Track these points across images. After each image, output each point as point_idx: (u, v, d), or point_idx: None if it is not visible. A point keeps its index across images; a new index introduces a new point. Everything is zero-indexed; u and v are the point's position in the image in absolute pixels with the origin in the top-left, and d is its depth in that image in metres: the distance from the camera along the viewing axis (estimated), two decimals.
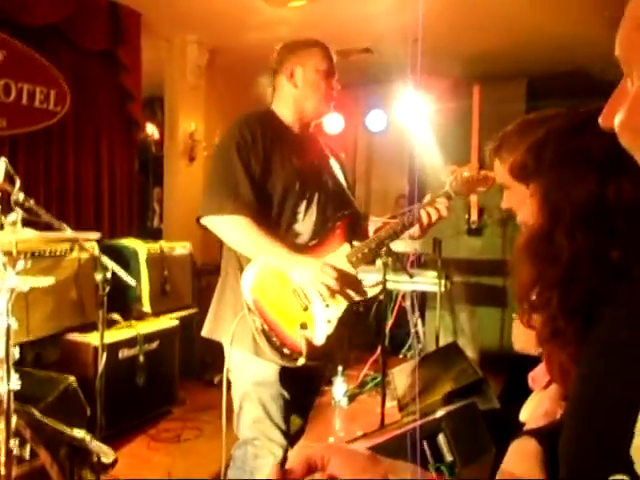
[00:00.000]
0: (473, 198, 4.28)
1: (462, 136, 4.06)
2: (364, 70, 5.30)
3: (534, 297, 0.69)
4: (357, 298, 1.59)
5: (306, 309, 1.52)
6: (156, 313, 3.39)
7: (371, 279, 3.70)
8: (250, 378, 1.56)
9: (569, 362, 0.68)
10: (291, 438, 1.68)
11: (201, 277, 3.94)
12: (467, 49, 4.67)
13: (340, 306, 1.56)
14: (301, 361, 1.47)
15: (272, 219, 1.55)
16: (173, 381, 3.24)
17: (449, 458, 2.27)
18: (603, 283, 0.60)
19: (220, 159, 1.59)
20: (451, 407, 2.45)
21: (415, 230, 1.66)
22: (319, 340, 1.50)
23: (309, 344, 1.46)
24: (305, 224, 1.57)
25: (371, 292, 1.67)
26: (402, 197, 5.43)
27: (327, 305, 1.53)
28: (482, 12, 3.98)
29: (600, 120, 0.52)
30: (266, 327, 1.49)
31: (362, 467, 0.63)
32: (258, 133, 1.56)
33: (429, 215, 1.61)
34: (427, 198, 1.66)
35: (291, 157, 1.60)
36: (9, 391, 1.40)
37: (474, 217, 4.40)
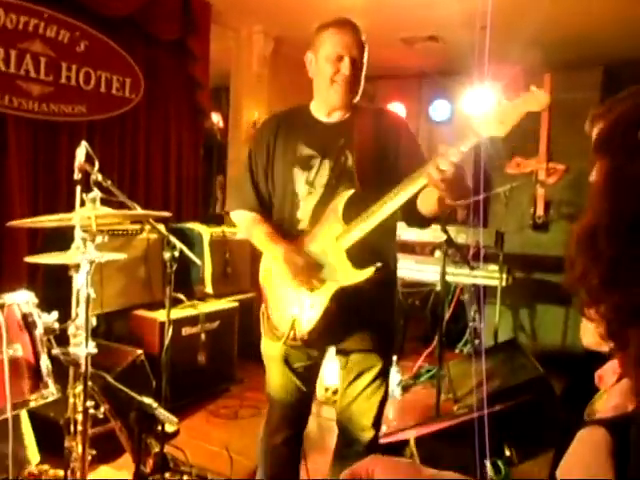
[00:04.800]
0: (540, 191, 4.12)
1: (531, 127, 3.90)
2: (428, 58, 5.20)
3: (584, 294, 0.66)
4: (319, 286, 1.51)
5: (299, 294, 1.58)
6: (217, 295, 3.51)
7: (430, 270, 3.67)
8: (263, 352, 1.76)
9: None
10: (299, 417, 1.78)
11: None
12: (538, 36, 4.46)
13: (326, 293, 1.51)
14: (289, 342, 1.59)
15: (278, 209, 1.66)
16: (232, 360, 3.35)
17: (507, 453, 2.23)
18: None
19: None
20: (510, 402, 2.40)
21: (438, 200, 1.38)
22: (303, 325, 1.55)
23: (293, 328, 1.57)
24: (304, 210, 1.58)
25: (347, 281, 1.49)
26: None
27: (312, 290, 1.53)
28: None
29: None
30: (265, 310, 1.68)
31: (406, 474, 0.64)
32: (268, 134, 1.65)
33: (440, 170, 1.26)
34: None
35: (300, 148, 1.59)
36: (87, 354, 1.51)
37: (540, 212, 4.22)
